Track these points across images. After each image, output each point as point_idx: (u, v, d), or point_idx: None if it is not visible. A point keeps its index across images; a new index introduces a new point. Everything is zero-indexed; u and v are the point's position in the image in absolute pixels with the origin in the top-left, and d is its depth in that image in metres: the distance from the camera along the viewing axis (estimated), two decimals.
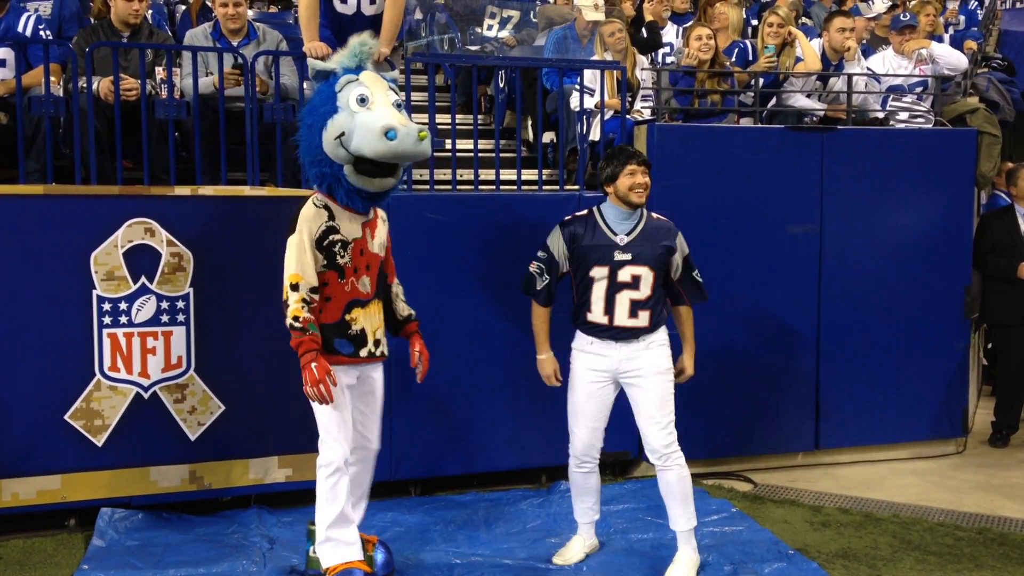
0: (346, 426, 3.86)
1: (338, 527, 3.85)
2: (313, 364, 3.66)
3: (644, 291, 4.09)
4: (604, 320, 4.12)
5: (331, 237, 3.79)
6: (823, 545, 4.56)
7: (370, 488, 4.19)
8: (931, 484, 5.61)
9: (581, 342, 4.21)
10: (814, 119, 6.16)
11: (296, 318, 3.71)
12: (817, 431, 5.89)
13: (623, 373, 4.15)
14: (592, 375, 4.17)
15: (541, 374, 4.32)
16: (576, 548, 4.36)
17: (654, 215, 4.24)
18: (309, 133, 3.79)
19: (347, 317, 3.84)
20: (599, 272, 4.11)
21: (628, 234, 4.13)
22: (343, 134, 3.66)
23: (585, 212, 4.24)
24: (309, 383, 3.66)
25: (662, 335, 4.18)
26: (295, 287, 3.73)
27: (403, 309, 4.18)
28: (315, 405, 3.77)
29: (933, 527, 4.83)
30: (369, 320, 3.91)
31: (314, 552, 3.94)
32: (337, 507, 3.82)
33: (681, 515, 4.13)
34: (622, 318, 4.10)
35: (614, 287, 4.10)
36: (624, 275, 4.09)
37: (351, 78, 3.75)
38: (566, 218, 4.26)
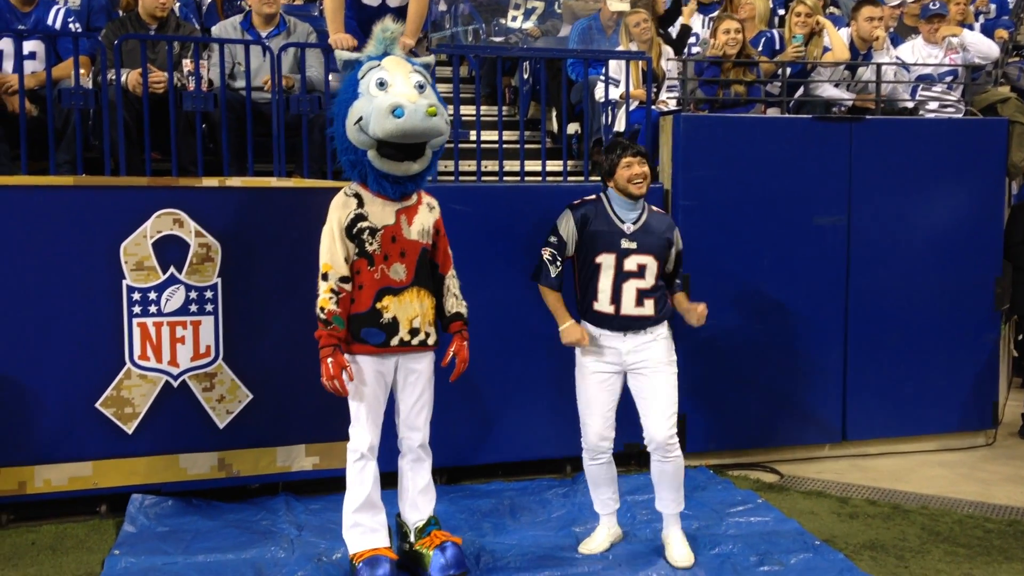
0: (373, 414, 3.88)
1: (364, 512, 3.88)
2: (329, 359, 3.70)
3: (649, 280, 4.12)
4: (611, 309, 4.12)
5: (359, 225, 3.80)
6: (850, 536, 4.53)
7: (429, 484, 4.11)
8: (960, 476, 5.56)
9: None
10: (842, 109, 6.10)
11: (322, 308, 3.75)
12: (844, 423, 5.85)
13: (631, 365, 4.16)
14: (601, 366, 4.17)
15: (570, 341, 4.19)
16: (601, 537, 4.37)
17: (654, 208, 4.26)
18: (337, 123, 3.83)
19: (378, 305, 3.83)
20: (606, 259, 4.11)
21: (634, 223, 4.15)
22: (361, 119, 3.68)
23: (594, 197, 4.23)
24: (325, 377, 3.72)
25: (666, 328, 4.20)
26: (325, 276, 3.77)
27: (452, 306, 4.08)
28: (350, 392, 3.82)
29: (962, 519, 4.79)
30: (404, 309, 3.85)
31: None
32: (363, 492, 3.86)
33: (673, 500, 4.22)
34: (628, 307, 4.11)
35: (620, 276, 4.11)
36: (631, 264, 4.11)
37: (373, 64, 3.77)
38: (575, 201, 4.25)
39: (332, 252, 3.77)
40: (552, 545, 4.38)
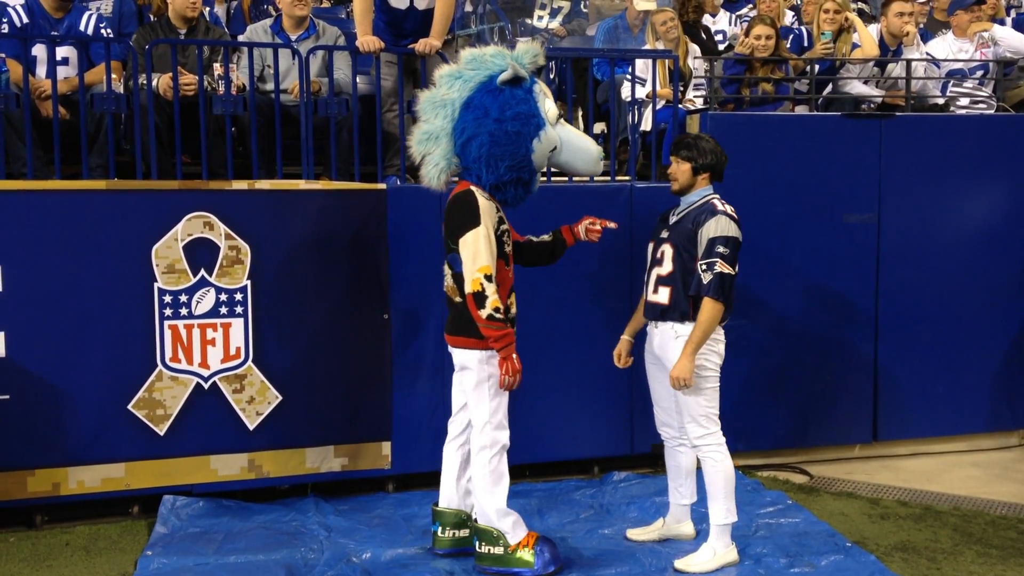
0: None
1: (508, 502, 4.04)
2: (515, 355, 3.87)
3: (667, 266, 4.13)
4: (644, 295, 4.28)
5: (501, 227, 3.98)
6: (881, 538, 4.50)
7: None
8: (993, 477, 5.49)
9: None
10: (871, 106, 6.04)
11: (497, 309, 3.83)
12: (875, 423, 5.79)
13: (656, 357, 4.23)
14: (647, 354, 4.31)
15: None
16: (651, 527, 4.45)
17: (717, 202, 4.12)
18: (514, 139, 3.88)
19: (509, 302, 4.00)
20: (649, 247, 4.31)
21: (677, 214, 4.22)
22: (556, 148, 3.97)
23: None
24: (508, 373, 3.85)
25: (691, 330, 4.10)
26: (489, 278, 3.83)
27: (542, 237, 4.37)
28: (482, 395, 3.95)
29: (995, 520, 4.74)
30: (515, 306, 4.08)
31: (442, 533, 4.20)
32: (507, 484, 4.02)
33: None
34: (650, 293, 4.21)
35: (653, 262, 4.24)
36: (659, 251, 4.21)
37: (544, 89, 4.01)
38: None
39: (491, 254, 3.86)
40: (581, 546, 4.37)
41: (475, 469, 4.02)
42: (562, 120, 4.08)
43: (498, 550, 3.99)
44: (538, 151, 3.94)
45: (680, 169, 4.16)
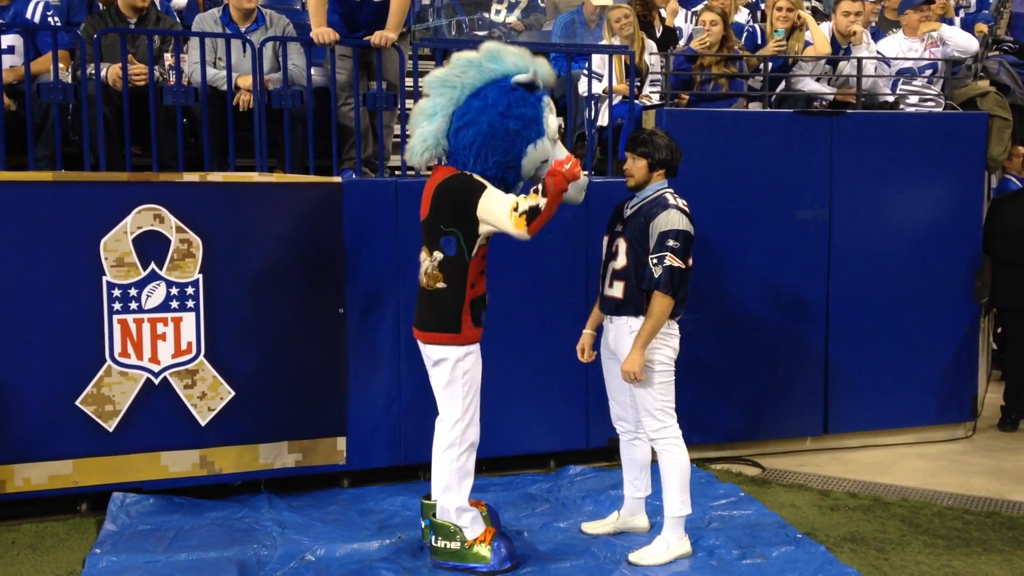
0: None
1: (469, 499, 4.04)
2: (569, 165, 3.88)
3: (621, 260, 4.15)
4: (600, 289, 4.31)
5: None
6: (831, 529, 4.57)
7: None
8: (940, 468, 5.60)
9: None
10: (823, 103, 6.12)
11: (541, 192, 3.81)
12: (826, 416, 5.88)
13: (611, 351, 4.26)
14: (602, 348, 4.34)
15: None
16: (606, 520, 4.47)
17: (669, 196, 4.14)
18: (512, 137, 3.86)
19: (478, 292, 3.99)
20: (604, 241, 4.32)
21: (630, 208, 4.22)
22: (546, 162, 3.95)
23: None
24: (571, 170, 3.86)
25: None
26: (522, 201, 3.80)
27: None
28: (455, 392, 3.95)
29: (942, 511, 4.83)
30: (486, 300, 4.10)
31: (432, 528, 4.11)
32: (471, 482, 4.03)
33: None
34: (605, 287, 4.24)
35: (608, 256, 4.26)
36: (614, 246, 4.22)
37: (551, 105, 4.00)
38: None
39: (508, 197, 3.84)
40: (537, 540, 4.38)
41: (440, 464, 4.00)
42: (559, 141, 4.06)
43: (455, 545, 3.99)
44: (530, 157, 3.92)
45: (636, 165, 4.18)
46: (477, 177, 3.88)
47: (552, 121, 4.01)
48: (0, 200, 4.42)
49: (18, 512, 4.55)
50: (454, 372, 3.94)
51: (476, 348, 4.00)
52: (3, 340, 4.44)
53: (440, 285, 3.92)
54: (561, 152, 4.03)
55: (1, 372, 4.44)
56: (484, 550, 3.96)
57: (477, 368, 4.00)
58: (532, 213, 3.77)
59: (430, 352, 4.01)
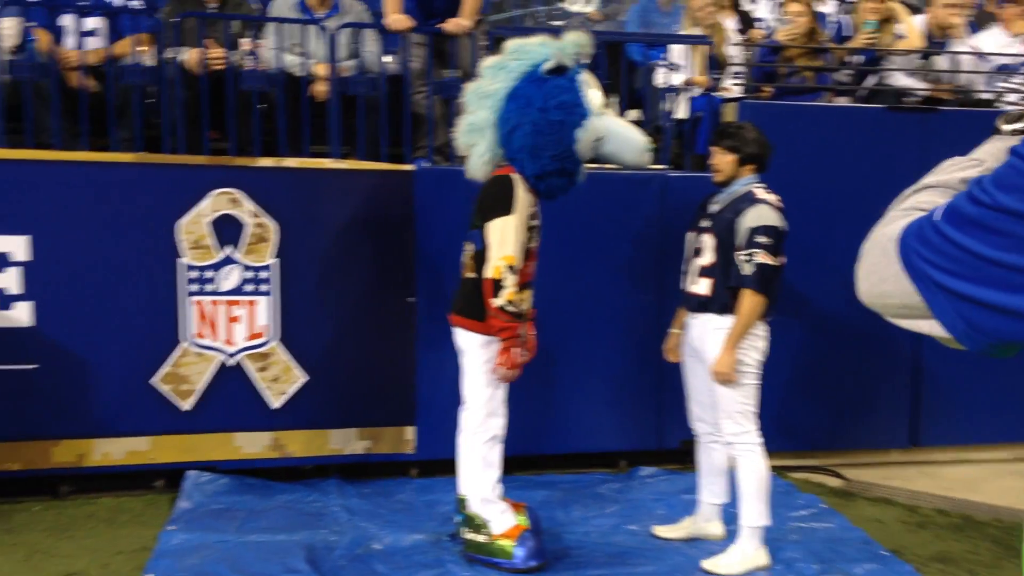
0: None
1: (498, 491, 3.98)
2: (515, 350, 3.80)
3: (708, 257, 4.01)
4: (684, 286, 4.17)
5: (532, 222, 3.90)
6: (919, 547, 4.34)
7: None
8: None
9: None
10: (916, 99, 5.87)
11: (511, 302, 3.76)
12: (914, 427, 5.63)
13: (694, 349, 4.11)
14: (685, 346, 4.20)
15: None
16: (679, 525, 4.34)
17: (759, 191, 3.99)
18: (558, 129, 3.78)
19: (522, 296, 3.91)
20: (688, 237, 4.18)
21: (717, 203, 4.08)
22: (601, 138, 3.85)
23: None
24: (505, 365, 3.78)
25: (731, 323, 3.98)
26: (512, 269, 3.76)
27: None
28: (478, 380, 3.90)
29: None
30: (527, 302, 3.98)
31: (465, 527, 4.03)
32: (498, 474, 3.97)
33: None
34: (690, 284, 4.11)
35: (693, 253, 4.13)
36: (700, 242, 4.09)
37: (589, 79, 3.89)
38: None
39: (518, 245, 3.79)
40: (607, 542, 4.27)
41: (464, 452, 3.96)
42: (608, 110, 3.98)
43: (481, 538, 3.94)
44: (582, 141, 3.83)
45: (724, 160, 4.03)
46: (522, 190, 3.80)
47: (594, 95, 3.90)
48: (82, 180, 4.48)
49: (97, 485, 4.63)
50: (477, 360, 3.89)
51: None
52: (85, 317, 4.51)
53: (471, 275, 3.91)
54: (611, 122, 3.92)
55: (82, 348, 4.51)
56: (509, 545, 3.88)
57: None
58: (496, 288, 3.73)
59: (457, 337, 4.00)
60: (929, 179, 1.27)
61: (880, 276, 1.16)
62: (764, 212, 3.89)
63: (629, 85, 6.20)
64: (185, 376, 4.60)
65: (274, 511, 4.39)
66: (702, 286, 4.02)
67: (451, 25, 5.05)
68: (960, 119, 5.59)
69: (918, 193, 1.25)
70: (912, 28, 5.94)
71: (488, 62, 3.93)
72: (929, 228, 1.09)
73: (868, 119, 5.49)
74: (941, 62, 5.91)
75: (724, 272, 3.95)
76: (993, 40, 6.24)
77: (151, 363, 4.58)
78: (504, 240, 3.75)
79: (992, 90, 6.04)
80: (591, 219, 5.03)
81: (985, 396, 5.67)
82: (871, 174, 5.46)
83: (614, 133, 3.91)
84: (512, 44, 3.93)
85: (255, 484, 4.67)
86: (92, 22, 4.96)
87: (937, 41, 6.03)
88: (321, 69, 5.02)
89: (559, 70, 3.81)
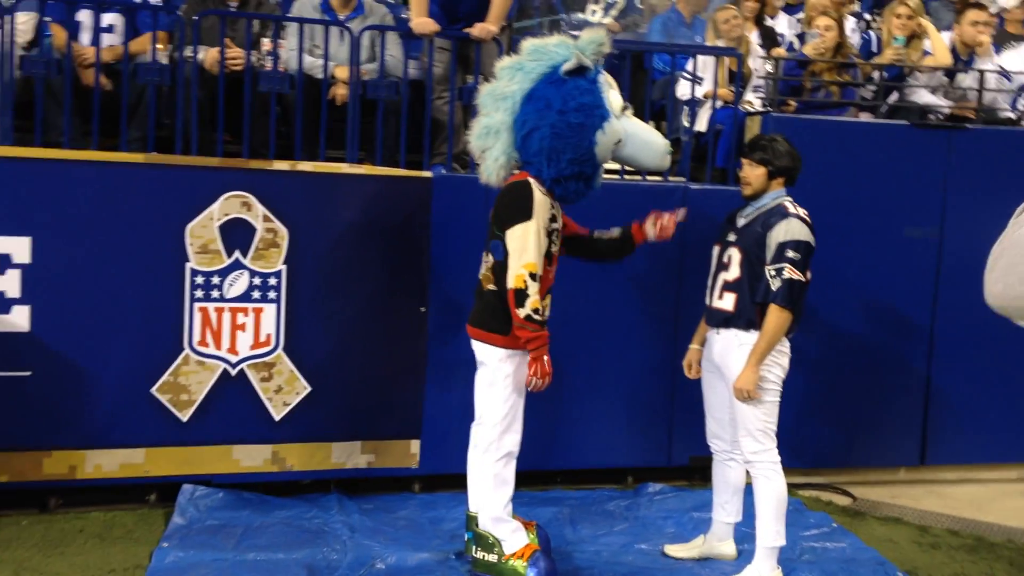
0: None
1: (510, 510, 3.87)
2: (546, 358, 3.71)
3: (734, 272, 3.92)
4: (707, 301, 4.06)
5: (552, 226, 3.80)
6: (934, 569, 4.27)
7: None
8: None
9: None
10: (939, 117, 5.77)
11: (536, 310, 3.68)
12: (923, 446, 5.54)
13: (715, 365, 4.02)
14: (705, 362, 4.11)
15: None
16: (691, 544, 4.24)
17: (788, 205, 3.91)
18: (577, 132, 3.69)
19: (544, 303, 3.82)
20: (714, 250, 4.08)
21: (745, 216, 3.99)
22: (620, 141, 3.78)
23: None
24: (538, 375, 3.70)
25: (755, 339, 3.88)
26: (534, 277, 3.67)
27: (611, 233, 4.16)
28: (496, 394, 3.80)
29: None
30: (549, 308, 3.87)
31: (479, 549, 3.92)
32: (511, 491, 3.87)
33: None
34: (714, 299, 4.01)
35: (719, 267, 4.02)
36: (726, 256, 3.99)
37: (609, 80, 3.82)
38: None
39: (539, 251, 3.70)
40: (617, 561, 4.17)
41: (477, 469, 3.88)
42: (627, 112, 3.87)
43: (492, 557, 3.83)
44: (602, 144, 3.74)
45: (754, 173, 3.94)
46: (539, 194, 3.71)
47: (614, 96, 3.81)
48: (89, 180, 4.38)
49: (88, 499, 4.48)
50: (496, 374, 3.80)
51: (523, 353, 3.79)
52: (84, 322, 4.39)
53: (491, 287, 3.81)
54: (631, 124, 3.83)
55: (79, 355, 4.38)
56: (520, 566, 3.78)
57: (521, 373, 3.80)
58: (520, 298, 3.65)
59: (476, 350, 3.90)
60: None
61: (1019, 277, 1.11)
62: (795, 226, 3.80)
63: (649, 96, 6.13)
64: (185, 386, 4.48)
65: (273, 528, 4.26)
66: (726, 301, 3.93)
67: (477, 30, 4.96)
68: (984, 137, 5.50)
69: None
70: (940, 45, 5.85)
71: (504, 63, 3.84)
72: None
73: (893, 135, 5.41)
74: (966, 80, 5.80)
75: (750, 287, 3.86)
76: (1018, 59, 6.16)
77: (150, 372, 4.46)
78: (525, 247, 3.66)
79: (1016, 109, 5.94)
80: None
81: (994, 415, 5.62)
82: (892, 190, 5.37)
83: (633, 136, 3.83)
84: (529, 44, 3.84)
85: (252, 499, 4.54)
86: (109, 18, 4.88)
87: (961, 59, 5.94)
88: (342, 72, 4.93)
89: (579, 71, 3.72)
